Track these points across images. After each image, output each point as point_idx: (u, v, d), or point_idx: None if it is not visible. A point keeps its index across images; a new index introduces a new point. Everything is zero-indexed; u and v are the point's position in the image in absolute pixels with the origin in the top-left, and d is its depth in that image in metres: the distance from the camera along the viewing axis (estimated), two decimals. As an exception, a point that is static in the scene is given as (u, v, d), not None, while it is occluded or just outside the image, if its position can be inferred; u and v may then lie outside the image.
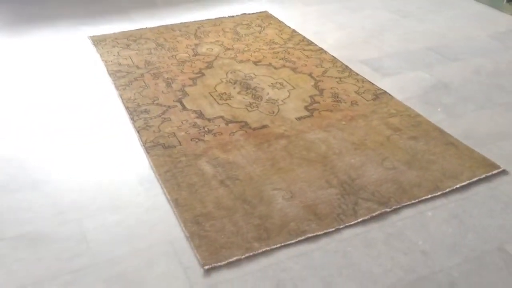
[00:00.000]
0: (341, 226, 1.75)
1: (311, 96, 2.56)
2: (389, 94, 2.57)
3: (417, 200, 1.87)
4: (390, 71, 2.82)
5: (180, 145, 2.18)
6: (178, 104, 2.49)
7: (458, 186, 1.93)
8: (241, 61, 2.93)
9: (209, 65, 2.88)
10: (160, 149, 2.15)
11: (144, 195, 1.90)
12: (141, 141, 2.20)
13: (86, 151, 2.15)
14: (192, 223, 1.76)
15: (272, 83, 2.68)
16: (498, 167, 2.04)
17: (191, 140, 2.21)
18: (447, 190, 1.92)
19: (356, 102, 2.50)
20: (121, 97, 2.55)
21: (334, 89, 2.63)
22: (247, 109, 2.45)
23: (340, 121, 2.35)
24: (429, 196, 1.88)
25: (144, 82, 2.69)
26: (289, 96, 2.56)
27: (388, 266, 1.59)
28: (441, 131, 2.27)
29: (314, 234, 1.72)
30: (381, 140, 2.21)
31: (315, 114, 2.41)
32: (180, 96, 2.56)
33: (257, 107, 2.46)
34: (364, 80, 2.71)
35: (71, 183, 1.96)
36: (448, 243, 1.68)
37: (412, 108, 2.46)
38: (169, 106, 2.47)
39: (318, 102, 2.50)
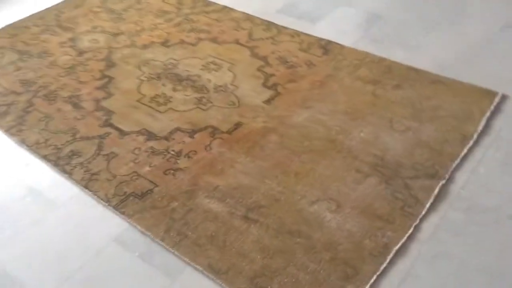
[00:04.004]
0: (417, 222, 1.47)
1: (259, 69, 2.13)
2: (335, 43, 2.27)
3: (459, 160, 1.66)
4: (315, 14, 2.50)
5: (157, 185, 1.63)
6: (111, 129, 1.87)
7: (480, 128, 1.77)
8: (145, 47, 2.33)
9: (109, 63, 2.23)
10: (136, 201, 1.58)
11: (162, 276, 1.37)
12: (101, 199, 1.60)
13: (39, 236, 1.49)
14: (255, 291, 1.32)
15: (203, 65, 2.18)
16: (496, 92, 1.92)
17: (165, 174, 1.68)
18: (475, 136, 1.74)
19: (310, 62, 2.15)
20: (25, 144, 1.83)
21: (276, 53, 2.23)
22: (200, 108, 1.95)
23: (312, 91, 2.00)
24: (466, 150, 1.69)
25: (40, 112, 1.98)
26: (235, 77, 2.10)
27: (503, 249, 1.38)
28: (416, 70, 2.07)
29: (399, 244, 1.41)
30: (369, 99, 1.93)
31: (280, 90, 2.01)
32: (104, 118, 1.93)
33: (211, 102, 1.97)
34: (298, 34, 2.35)
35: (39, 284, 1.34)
36: (526, 197, 1.52)
37: (368, 51, 2.20)
38: (100, 136, 1.84)
39: (273, 74, 2.10)
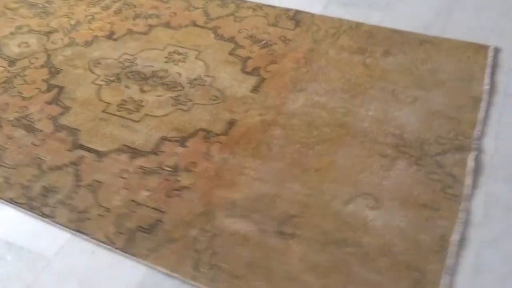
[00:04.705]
0: (465, 204, 1.36)
1: (231, 53, 1.89)
2: (304, 12, 2.07)
3: (481, 124, 1.56)
4: (269, -19, 2.27)
5: (164, 213, 1.38)
6: (83, 152, 1.56)
7: (487, 87, 1.68)
8: (87, 44, 1.99)
9: (53, 70, 1.88)
10: (145, 237, 1.33)
11: (210, 325, 1.16)
12: (101, 242, 1.32)
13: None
14: (323, 321, 1.15)
15: (166, 57, 1.90)
16: (488, 46, 1.83)
17: (167, 196, 1.42)
18: (487, 97, 1.65)
19: (285, 37, 1.95)
20: (-22, 188, 1.48)
21: (243, 31, 1.99)
22: (180, 109, 1.69)
23: (299, 70, 1.80)
24: (483, 113, 1.59)
25: (-14, 143, 1.62)
26: (208, 66, 1.85)
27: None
28: (398, 32, 1.93)
29: (457, 232, 1.29)
30: (362, 71, 1.78)
31: (264, 75, 1.79)
32: (70, 139, 1.61)
33: (190, 100, 1.71)
34: (260, 6, 2.12)
35: None
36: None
37: (342, 17, 2.03)
38: (73, 163, 1.53)
39: (249, 57, 1.87)
